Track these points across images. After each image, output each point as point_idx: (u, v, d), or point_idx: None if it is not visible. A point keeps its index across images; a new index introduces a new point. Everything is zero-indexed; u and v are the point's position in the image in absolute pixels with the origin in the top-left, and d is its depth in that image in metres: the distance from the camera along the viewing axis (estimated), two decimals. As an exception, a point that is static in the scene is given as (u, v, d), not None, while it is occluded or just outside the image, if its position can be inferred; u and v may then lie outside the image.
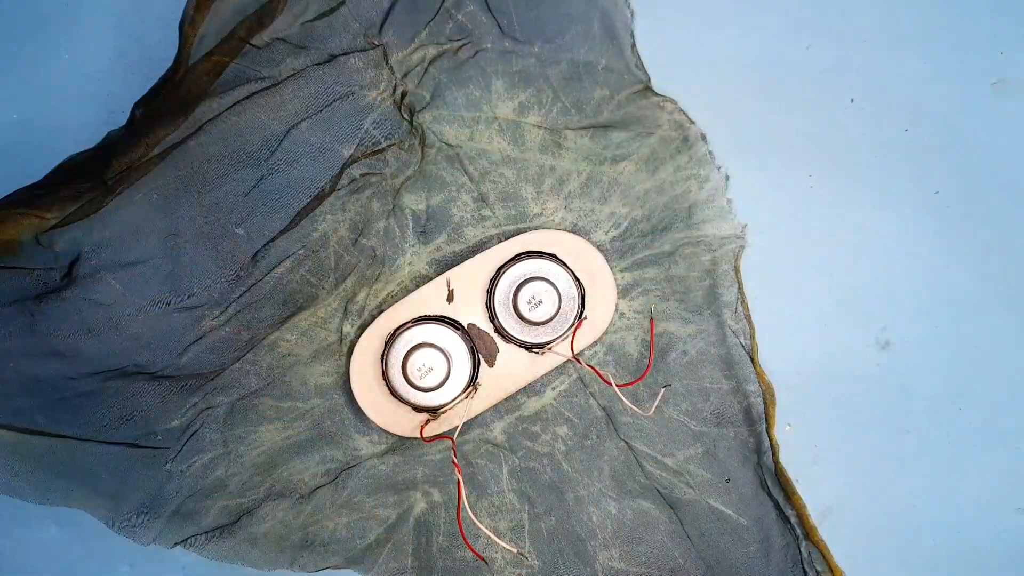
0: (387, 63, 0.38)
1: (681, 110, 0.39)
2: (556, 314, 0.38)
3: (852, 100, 0.41)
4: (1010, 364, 0.41)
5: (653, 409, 0.38)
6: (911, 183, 0.41)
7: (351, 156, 0.38)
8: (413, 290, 0.39)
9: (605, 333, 0.39)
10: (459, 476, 0.36)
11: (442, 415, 0.39)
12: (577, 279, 0.39)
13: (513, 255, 0.39)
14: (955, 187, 0.41)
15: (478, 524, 0.37)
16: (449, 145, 0.39)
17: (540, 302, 0.38)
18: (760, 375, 0.39)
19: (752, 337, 0.39)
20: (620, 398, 0.38)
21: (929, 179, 0.41)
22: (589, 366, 0.39)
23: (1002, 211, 0.41)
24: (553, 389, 0.40)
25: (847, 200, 0.41)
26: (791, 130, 0.41)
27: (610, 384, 0.38)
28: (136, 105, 0.35)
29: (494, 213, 0.39)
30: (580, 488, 0.39)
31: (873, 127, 0.41)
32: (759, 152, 0.41)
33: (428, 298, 0.39)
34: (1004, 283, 0.41)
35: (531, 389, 0.39)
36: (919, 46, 0.41)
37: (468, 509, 0.37)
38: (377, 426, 0.39)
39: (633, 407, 0.38)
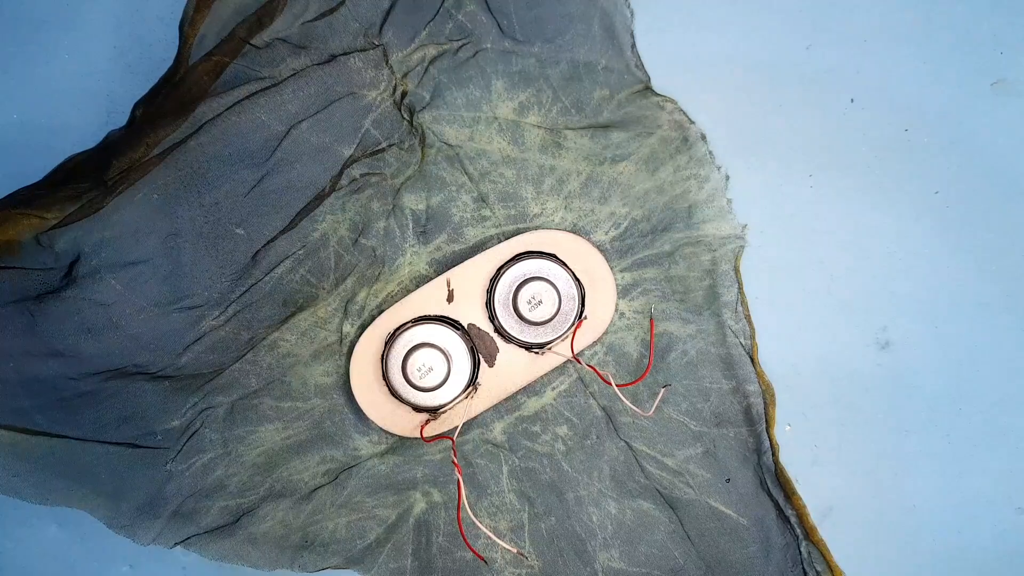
0: (387, 63, 0.38)
1: (681, 110, 0.39)
2: (556, 314, 0.38)
3: (852, 100, 0.41)
4: (1010, 364, 0.41)
5: (653, 409, 0.38)
6: (911, 183, 0.41)
7: (351, 156, 0.38)
8: (413, 290, 0.39)
9: (605, 333, 0.39)
10: (459, 476, 0.36)
11: (442, 415, 0.39)
12: (577, 279, 0.39)
13: (513, 255, 0.39)
14: (955, 187, 0.41)
15: (478, 524, 0.37)
16: (449, 145, 0.39)
17: (540, 302, 0.38)
18: (760, 375, 0.39)
19: (752, 337, 0.39)
20: (620, 398, 0.38)
21: (929, 179, 0.41)
22: (589, 366, 0.39)
23: (1002, 211, 0.41)
24: (553, 389, 0.40)
25: (847, 200, 0.41)
26: (791, 130, 0.41)
27: (610, 384, 0.38)
28: (136, 105, 0.35)
29: (494, 213, 0.39)
30: (580, 488, 0.39)
31: (873, 127, 0.41)
32: (759, 152, 0.41)
33: (428, 298, 0.39)
34: (1004, 283, 0.41)
35: (531, 389, 0.39)
36: (919, 46, 0.41)
37: (468, 509, 0.37)
38: (377, 426, 0.39)
39: (633, 407, 0.38)
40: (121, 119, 0.36)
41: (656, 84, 0.39)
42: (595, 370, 0.38)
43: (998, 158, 0.41)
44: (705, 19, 0.41)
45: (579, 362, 0.39)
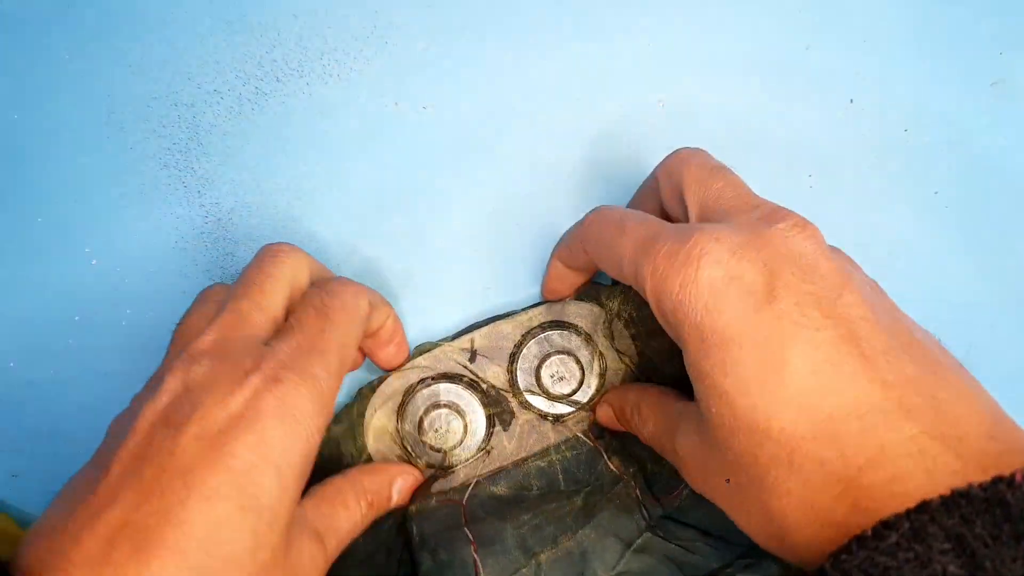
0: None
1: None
2: (578, 389, 0.38)
3: (852, 100, 0.41)
4: (1010, 364, 0.41)
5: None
6: (911, 183, 0.41)
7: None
8: (435, 345, 0.38)
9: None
10: (473, 544, 0.35)
11: (451, 474, 0.37)
12: (601, 354, 0.38)
13: (540, 323, 0.38)
14: (955, 187, 0.41)
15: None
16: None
17: (562, 377, 0.38)
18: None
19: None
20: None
21: (929, 179, 0.41)
22: (595, 444, 0.38)
23: (1002, 211, 0.41)
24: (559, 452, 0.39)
25: (847, 200, 0.41)
26: (791, 130, 0.41)
27: (623, 479, 0.37)
28: None
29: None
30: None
31: (873, 127, 0.41)
32: (759, 152, 0.41)
33: (450, 355, 0.38)
34: (1003, 283, 0.41)
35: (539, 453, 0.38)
36: (919, 46, 0.41)
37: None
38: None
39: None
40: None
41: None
42: (599, 448, 0.37)
43: (998, 158, 0.41)
44: (705, 19, 0.41)
45: (594, 443, 0.38)
